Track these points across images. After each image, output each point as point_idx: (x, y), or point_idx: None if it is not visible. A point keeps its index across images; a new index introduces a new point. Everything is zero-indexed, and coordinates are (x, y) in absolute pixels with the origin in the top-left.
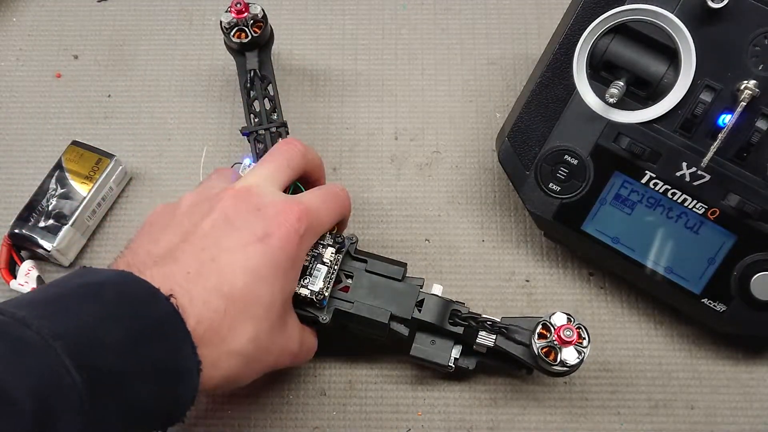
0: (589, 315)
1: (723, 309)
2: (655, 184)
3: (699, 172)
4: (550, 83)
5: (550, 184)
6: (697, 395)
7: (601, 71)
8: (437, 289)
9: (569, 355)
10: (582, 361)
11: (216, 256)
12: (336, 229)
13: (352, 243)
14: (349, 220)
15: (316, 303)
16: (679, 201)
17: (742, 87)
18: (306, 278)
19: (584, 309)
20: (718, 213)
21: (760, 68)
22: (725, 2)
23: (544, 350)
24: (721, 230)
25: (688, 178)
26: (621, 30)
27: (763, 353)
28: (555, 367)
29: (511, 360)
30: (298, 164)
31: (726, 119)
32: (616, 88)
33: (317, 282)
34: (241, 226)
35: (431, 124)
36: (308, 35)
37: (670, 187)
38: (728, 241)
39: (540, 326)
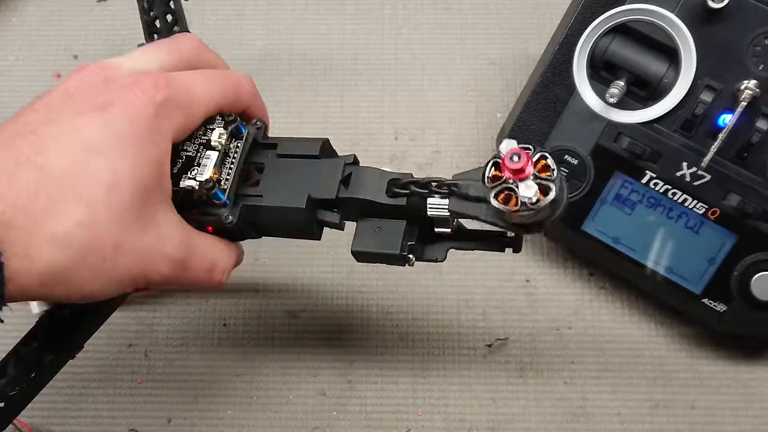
0: (589, 315)
1: (723, 309)
2: (656, 184)
3: (699, 172)
4: (550, 83)
5: None
6: (697, 395)
7: (602, 71)
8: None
9: (527, 190)
10: (554, 197)
11: (37, 129)
12: (231, 114)
13: (257, 128)
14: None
15: (209, 198)
16: (680, 201)
17: (742, 87)
18: (193, 169)
19: (584, 309)
20: (718, 213)
21: (760, 68)
22: (725, 2)
23: (501, 197)
24: (721, 230)
25: (688, 178)
26: (621, 30)
27: (763, 353)
28: (519, 214)
29: (489, 238)
30: (186, 52)
31: (726, 119)
32: (616, 88)
33: (206, 171)
34: (78, 98)
35: (431, 124)
36: (308, 35)
37: (670, 187)
38: (729, 241)
39: (491, 167)
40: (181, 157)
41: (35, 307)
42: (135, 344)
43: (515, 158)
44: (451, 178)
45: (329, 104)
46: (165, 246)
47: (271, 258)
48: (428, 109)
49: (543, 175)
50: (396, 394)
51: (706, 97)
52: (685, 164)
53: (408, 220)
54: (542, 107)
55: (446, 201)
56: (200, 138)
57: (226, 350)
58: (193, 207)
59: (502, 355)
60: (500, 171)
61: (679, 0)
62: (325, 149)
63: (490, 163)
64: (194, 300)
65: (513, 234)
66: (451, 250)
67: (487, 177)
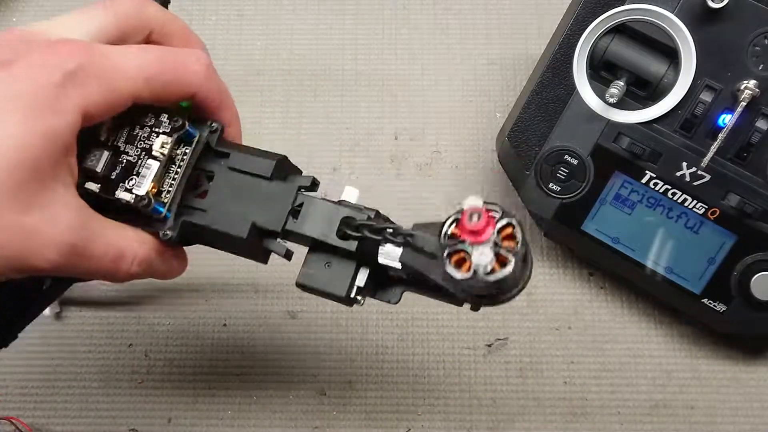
0: (589, 315)
1: (723, 309)
2: (655, 184)
3: (699, 172)
4: (550, 83)
5: (550, 184)
6: (697, 395)
7: (601, 71)
8: (350, 194)
9: (482, 257)
10: (510, 273)
11: None
12: (179, 120)
13: (212, 131)
14: (230, 105)
15: (145, 212)
16: (679, 201)
17: (742, 87)
18: (132, 178)
19: (584, 309)
20: (718, 213)
21: (760, 68)
22: (725, 2)
23: (455, 258)
24: (721, 230)
25: (688, 178)
26: (621, 30)
27: (763, 353)
28: (469, 282)
29: (443, 289)
30: (125, 10)
31: (726, 119)
32: (616, 88)
33: (144, 183)
34: None
35: (431, 124)
36: (308, 35)
37: (670, 187)
38: (728, 241)
39: (452, 224)
40: (122, 161)
41: None
42: (135, 344)
43: (474, 218)
44: (412, 226)
45: (329, 104)
46: (53, 229)
47: (271, 258)
48: (428, 109)
49: (505, 244)
50: (396, 394)
51: (706, 97)
52: (684, 164)
53: (360, 261)
54: (542, 107)
55: (399, 250)
56: (144, 142)
57: (226, 350)
58: (132, 216)
59: (502, 355)
60: (459, 231)
61: (679, 0)
62: (280, 168)
63: (451, 219)
64: (194, 300)
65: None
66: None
67: (444, 233)
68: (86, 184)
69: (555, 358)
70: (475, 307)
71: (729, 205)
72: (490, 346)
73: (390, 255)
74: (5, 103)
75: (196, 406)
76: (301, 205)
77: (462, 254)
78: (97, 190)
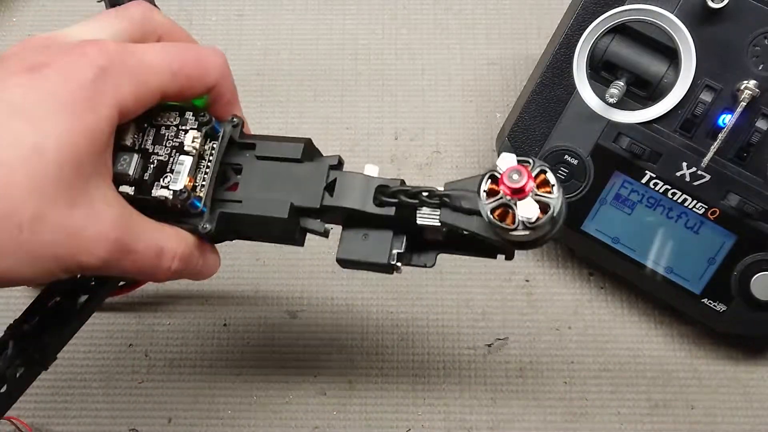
0: (589, 315)
1: (723, 309)
2: (655, 184)
3: (699, 172)
4: (550, 83)
5: None
6: (697, 395)
7: (601, 71)
8: (371, 171)
9: (527, 209)
10: (553, 216)
11: None
12: (206, 114)
13: (234, 125)
14: (238, 103)
15: (184, 207)
16: (679, 201)
17: (742, 87)
18: (166, 176)
19: (584, 309)
20: (718, 213)
21: (760, 68)
22: (725, 2)
23: (498, 213)
24: (721, 230)
25: (688, 178)
26: (621, 30)
27: (763, 353)
28: (515, 233)
29: (479, 245)
30: (138, 17)
31: (726, 119)
32: (616, 88)
33: (180, 178)
34: (13, 61)
35: (431, 124)
36: (308, 35)
37: (670, 187)
38: (728, 241)
39: (487, 180)
40: (152, 162)
41: None
42: (135, 344)
43: (515, 176)
44: (443, 187)
45: (329, 104)
46: (99, 224)
47: (271, 258)
48: (428, 109)
49: (542, 191)
50: (396, 394)
51: (706, 97)
52: (684, 164)
53: (396, 228)
54: (542, 107)
55: (437, 212)
56: (172, 141)
57: (226, 350)
58: (168, 214)
59: (502, 355)
60: (497, 185)
61: (679, 0)
62: (308, 151)
63: (487, 176)
64: (194, 300)
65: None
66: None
67: (483, 191)
68: (120, 188)
69: (555, 358)
70: (509, 256)
71: (729, 205)
72: (490, 346)
73: (429, 216)
74: (43, 103)
75: (196, 406)
76: (334, 181)
77: (503, 209)
78: (132, 193)
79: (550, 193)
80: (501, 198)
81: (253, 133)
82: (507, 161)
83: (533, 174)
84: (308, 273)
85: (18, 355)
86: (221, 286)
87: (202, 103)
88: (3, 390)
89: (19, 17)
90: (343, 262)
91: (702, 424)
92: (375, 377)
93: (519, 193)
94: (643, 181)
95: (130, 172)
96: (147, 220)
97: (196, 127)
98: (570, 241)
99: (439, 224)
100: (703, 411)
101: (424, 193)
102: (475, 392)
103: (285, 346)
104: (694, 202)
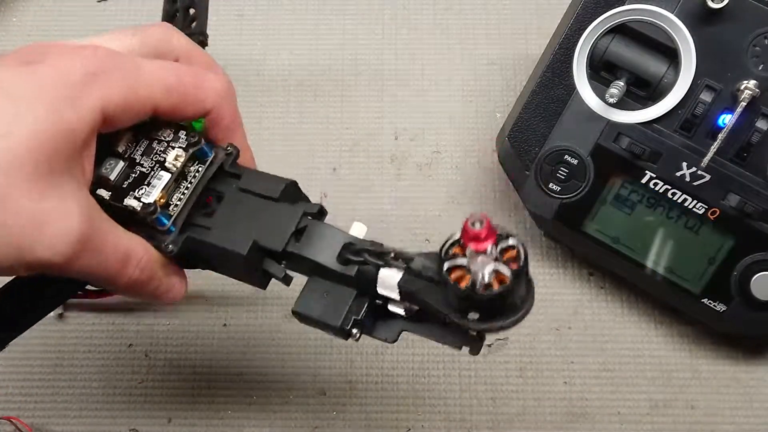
0: (589, 315)
1: (723, 309)
2: (656, 184)
3: (699, 172)
4: (550, 83)
5: (550, 184)
6: (697, 395)
7: (601, 71)
8: (358, 230)
9: (481, 265)
10: (506, 289)
11: None
12: (196, 136)
13: (227, 153)
14: (240, 132)
15: (151, 222)
16: (679, 201)
17: (742, 87)
18: (142, 188)
19: (584, 309)
20: (718, 213)
21: (760, 68)
22: (725, 2)
23: (454, 275)
24: (721, 230)
25: (688, 178)
26: (621, 30)
27: (763, 353)
28: (463, 298)
29: (446, 331)
30: (154, 37)
31: (726, 119)
32: (616, 88)
33: (153, 192)
34: (11, 57)
35: (431, 124)
36: (308, 35)
37: (670, 187)
38: (728, 241)
39: (452, 244)
40: (135, 172)
41: None
42: (135, 344)
43: (477, 225)
44: (412, 253)
45: (329, 104)
46: (65, 219)
47: None
48: (428, 109)
49: (506, 257)
50: (396, 394)
51: (706, 97)
52: (684, 164)
53: (358, 291)
54: (542, 107)
55: (399, 275)
56: (159, 155)
57: (226, 350)
58: (138, 226)
59: (502, 355)
60: (461, 249)
61: (679, 0)
62: (290, 192)
63: (452, 239)
64: (194, 300)
65: (474, 333)
66: None
67: (445, 250)
68: (98, 190)
69: (555, 358)
70: (474, 351)
71: (729, 205)
72: (490, 346)
73: (388, 283)
74: (27, 93)
75: (196, 406)
76: (304, 228)
77: (462, 271)
78: (108, 197)
79: (513, 268)
80: (458, 258)
81: (253, 158)
82: (475, 214)
83: (504, 244)
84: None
85: None
86: (221, 286)
87: (199, 127)
88: None
89: (19, 17)
90: (298, 316)
91: (702, 424)
92: (375, 377)
93: (478, 242)
94: (643, 181)
95: (112, 177)
96: (116, 225)
97: (183, 146)
98: (570, 241)
99: (396, 289)
100: (703, 411)
101: (390, 254)
102: (475, 392)
103: (285, 346)
104: (694, 202)
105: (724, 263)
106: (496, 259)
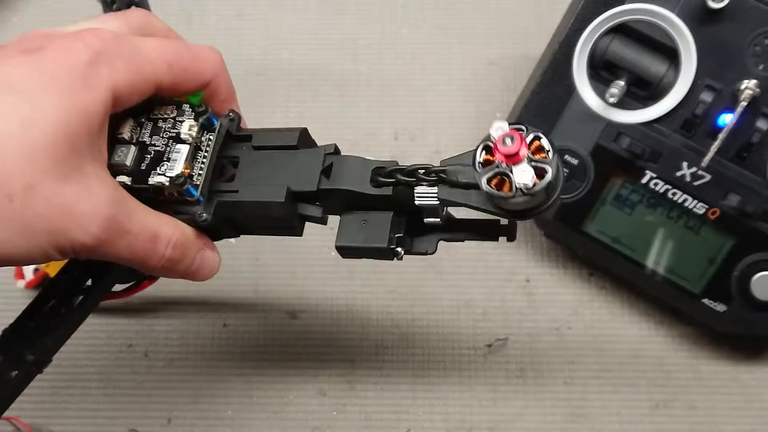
0: (589, 315)
1: (723, 309)
2: (656, 184)
3: (699, 172)
4: (550, 83)
5: None
6: (697, 395)
7: (602, 71)
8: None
9: (523, 174)
10: (551, 180)
11: None
12: (203, 105)
13: (230, 119)
14: (236, 100)
15: (181, 194)
16: (680, 201)
17: (742, 87)
18: (162, 164)
19: (584, 309)
20: (718, 213)
21: (760, 68)
22: (725, 2)
23: (494, 182)
24: (721, 230)
25: (688, 178)
26: (621, 30)
27: (763, 353)
28: (513, 200)
29: (481, 227)
30: (136, 20)
31: (726, 119)
32: (616, 88)
33: (177, 165)
34: (11, 47)
35: (431, 124)
36: (308, 35)
37: (670, 187)
38: (728, 241)
39: (482, 151)
40: (150, 152)
41: None
42: (135, 344)
43: (508, 141)
44: (438, 164)
45: (329, 104)
46: (93, 200)
47: (271, 258)
48: (428, 109)
49: (537, 156)
50: (396, 394)
51: (706, 97)
52: (685, 164)
53: (395, 210)
54: (542, 107)
55: (435, 189)
56: (169, 131)
57: (226, 350)
58: (165, 206)
59: (502, 355)
60: (492, 155)
61: (679, 0)
62: (304, 139)
63: (481, 147)
64: (194, 300)
65: (506, 221)
66: (444, 243)
67: (478, 162)
68: (117, 178)
69: (555, 358)
70: (511, 237)
71: (729, 205)
72: (490, 346)
73: (426, 194)
74: (38, 81)
75: (196, 406)
76: (330, 165)
77: (499, 177)
78: (129, 182)
79: (545, 158)
80: (497, 167)
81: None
82: (499, 128)
83: (527, 140)
84: (308, 273)
85: (12, 358)
86: (221, 286)
87: (196, 101)
88: None
89: (20, 16)
90: (343, 250)
91: (703, 425)
92: (375, 377)
93: (513, 158)
94: (644, 181)
95: (128, 162)
96: (142, 205)
97: (192, 117)
98: (570, 241)
99: (437, 202)
100: (703, 411)
101: (421, 171)
102: (475, 392)
103: (285, 346)
104: (695, 202)
105: (725, 263)
106: (529, 159)
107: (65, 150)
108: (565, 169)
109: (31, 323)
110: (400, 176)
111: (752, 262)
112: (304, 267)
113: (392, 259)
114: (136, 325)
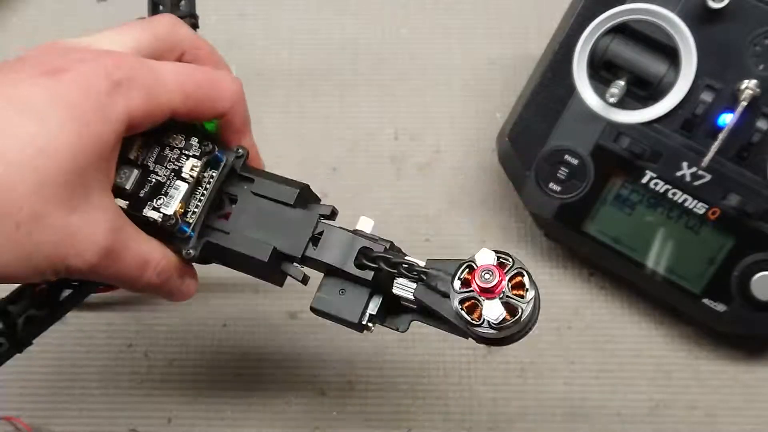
0: (589, 315)
1: (723, 309)
2: (656, 184)
3: (699, 172)
4: (550, 83)
5: (550, 184)
6: (697, 395)
7: (602, 71)
8: (365, 224)
9: (492, 310)
10: (520, 320)
11: None
12: (209, 144)
13: (238, 156)
14: (249, 131)
15: (170, 231)
16: (680, 201)
17: (742, 87)
18: (159, 198)
19: (584, 309)
20: (718, 213)
21: (760, 68)
22: (725, 2)
23: (467, 305)
24: (721, 230)
25: (688, 178)
26: (621, 30)
27: (763, 353)
28: (479, 329)
29: (452, 323)
30: (162, 30)
31: (726, 119)
32: (616, 88)
33: (172, 203)
34: (31, 64)
35: (431, 124)
36: (308, 35)
37: (670, 187)
38: (728, 241)
39: (464, 269)
40: (151, 180)
41: None
42: (135, 344)
43: (486, 276)
44: (425, 262)
45: (329, 104)
46: (95, 230)
47: None
48: (428, 109)
49: (515, 293)
50: (396, 395)
51: (706, 97)
52: (685, 164)
53: (374, 289)
54: (542, 107)
55: (414, 285)
56: (173, 163)
57: (226, 350)
58: (156, 233)
59: (502, 355)
60: (472, 277)
61: (680, 0)
62: (303, 196)
63: (465, 265)
64: (194, 300)
65: None
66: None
67: (458, 278)
68: (116, 200)
69: (555, 358)
70: (480, 341)
71: (729, 205)
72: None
73: (404, 288)
74: (56, 107)
75: (196, 406)
76: (321, 233)
77: (473, 301)
78: (125, 207)
79: (522, 297)
80: (471, 291)
81: (259, 155)
82: (485, 258)
83: (509, 275)
84: (308, 273)
85: (3, 332)
86: (221, 286)
87: (212, 127)
88: None
89: (20, 17)
90: (316, 311)
91: (703, 425)
92: (375, 377)
93: (488, 293)
94: (644, 181)
95: (128, 187)
96: (138, 231)
97: (198, 155)
98: (570, 241)
99: (412, 298)
100: (703, 411)
101: (404, 266)
102: (475, 392)
103: (285, 346)
104: (695, 202)
105: (725, 263)
106: (505, 294)
107: (74, 180)
108: (565, 169)
109: (21, 303)
110: (383, 264)
111: (752, 262)
112: (304, 267)
113: (362, 332)
114: (136, 325)
